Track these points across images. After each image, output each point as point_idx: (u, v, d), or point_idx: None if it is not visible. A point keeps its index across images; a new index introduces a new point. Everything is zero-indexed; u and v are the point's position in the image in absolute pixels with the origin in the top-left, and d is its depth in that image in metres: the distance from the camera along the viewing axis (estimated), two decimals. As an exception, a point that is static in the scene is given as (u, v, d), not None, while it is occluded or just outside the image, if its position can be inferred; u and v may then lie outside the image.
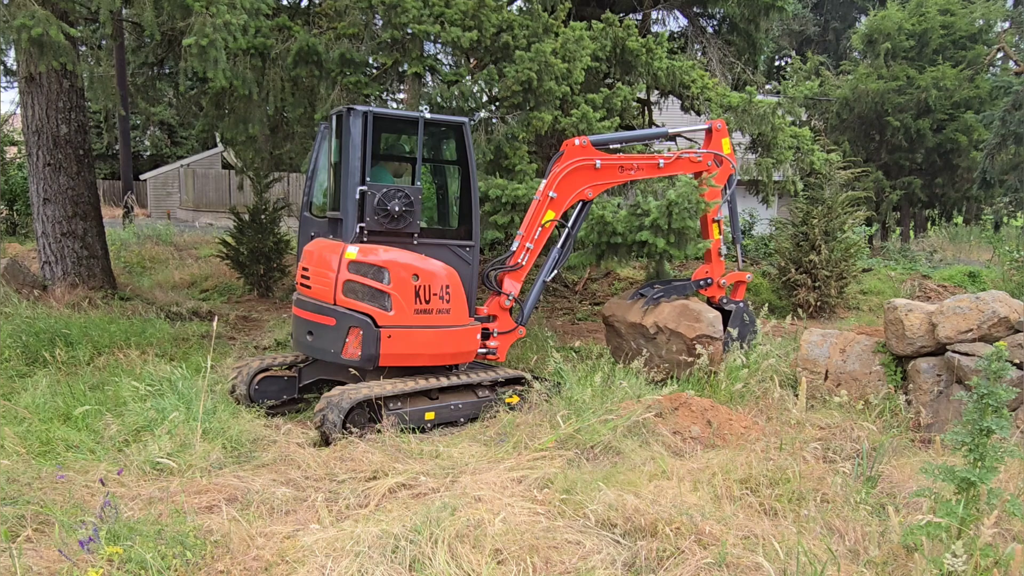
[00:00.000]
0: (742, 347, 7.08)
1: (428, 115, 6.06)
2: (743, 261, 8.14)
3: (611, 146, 7.31)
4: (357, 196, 5.83)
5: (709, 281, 7.59)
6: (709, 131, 7.65)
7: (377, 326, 5.70)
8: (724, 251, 7.73)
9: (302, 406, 6.49)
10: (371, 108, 5.93)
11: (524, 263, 6.66)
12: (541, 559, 3.49)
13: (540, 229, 6.65)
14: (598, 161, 6.76)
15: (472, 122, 8.64)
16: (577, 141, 6.73)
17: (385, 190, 5.87)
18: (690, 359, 6.73)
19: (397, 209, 5.88)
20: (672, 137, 7.84)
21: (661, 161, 7.14)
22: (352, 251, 5.73)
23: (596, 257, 7.80)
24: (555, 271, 6.97)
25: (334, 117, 6.35)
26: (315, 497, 4.29)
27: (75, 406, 5.39)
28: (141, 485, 4.35)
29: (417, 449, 5.16)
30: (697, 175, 7.45)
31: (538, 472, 4.59)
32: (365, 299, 5.73)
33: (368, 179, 5.87)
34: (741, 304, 7.59)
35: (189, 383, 5.68)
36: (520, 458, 4.93)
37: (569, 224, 6.93)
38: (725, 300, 7.63)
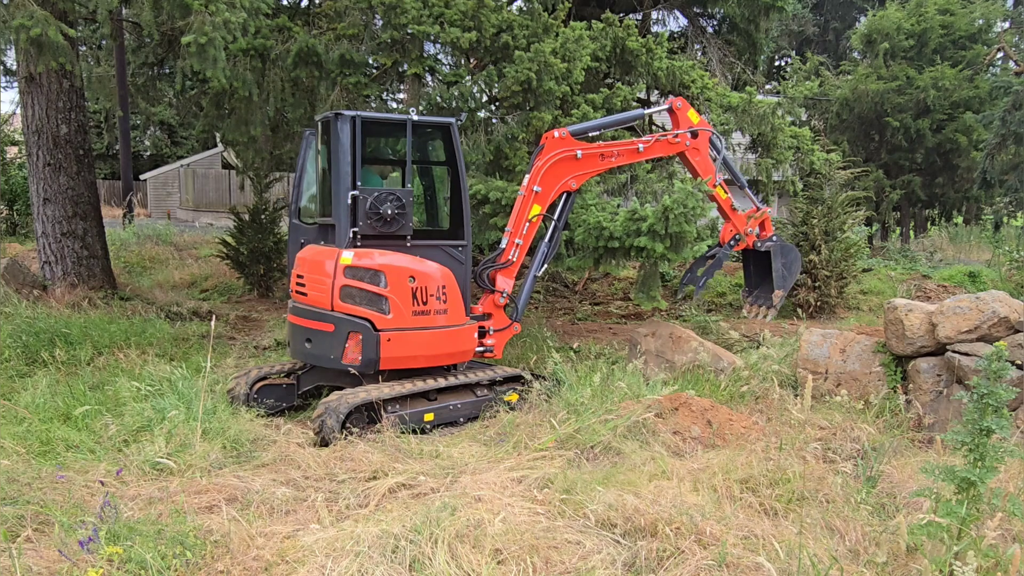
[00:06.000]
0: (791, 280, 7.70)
1: (416, 117, 6.05)
2: (759, 202, 8.48)
3: (590, 134, 7.36)
4: (349, 201, 5.80)
5: (739, 236, 7.97)
6: (672, 112, 7.72)
7: (376, 330, 5.69)
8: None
9: (302, 405, 6.48)
10: (359, 113, 5.92)
11: (515, 259, 6.70)
12: (541, 559, 3.49)
13: (528, 224, 6.69)
14: (579, 151, 6.79)
15: (470, 122, 8.64)
16: (556, 133, 6.75)
17: (377, 194, 5.85)
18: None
19: (390, 212, 5.87)
20: (648, 119, 7.97)
21: (640, 146, 7.23)
22: (347, 256, 5.72)
23: (594, 261, 7.84)
24: (545, 265, 7.06)
25: (320, 123, 6.31)
26: (315, 497, 4.28)
27: (75, 406, 5.39)
28: (141, 485, 4.35)
29: (417, 449, 5.16)
30: (693, 172, 7.55)
31: (538, 472, 4.58)
32: (363, 303, 5.72)
33: (359, 183, 5.86)
34: (775, 238, 8.06)
35: (189, 383, 5.67)
36: (520, 458, 4.93)
37: (555, 217, 6.98)
38: (759, 243, 8.05)
